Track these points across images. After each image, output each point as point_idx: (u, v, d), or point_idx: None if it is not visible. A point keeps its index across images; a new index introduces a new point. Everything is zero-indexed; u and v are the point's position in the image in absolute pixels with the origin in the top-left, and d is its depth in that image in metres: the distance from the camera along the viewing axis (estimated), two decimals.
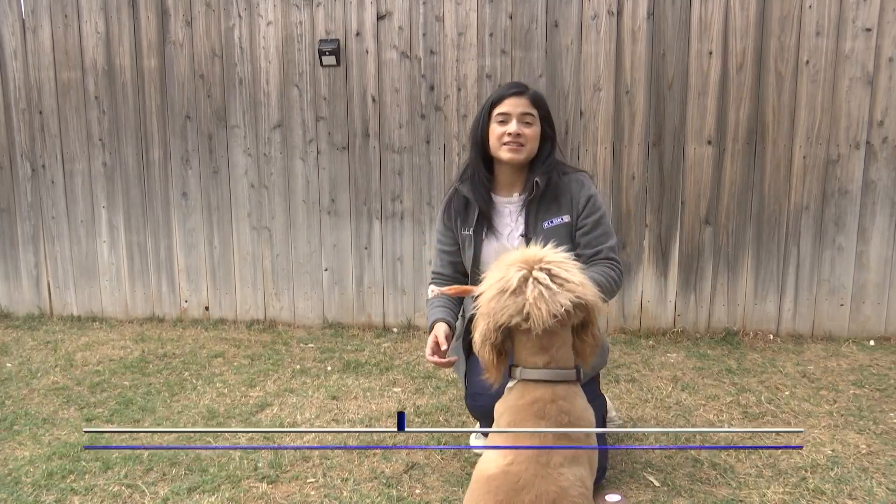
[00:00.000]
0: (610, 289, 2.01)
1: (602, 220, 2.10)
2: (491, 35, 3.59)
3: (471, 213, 2.16)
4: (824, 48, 3.36)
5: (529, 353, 1.30)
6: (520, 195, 2.15)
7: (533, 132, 2.08)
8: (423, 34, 3.66)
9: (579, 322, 1.30)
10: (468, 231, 2.16)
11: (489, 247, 2.14)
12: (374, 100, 3.75)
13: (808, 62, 3.39)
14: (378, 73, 3.72)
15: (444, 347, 1.97)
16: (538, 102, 2.10)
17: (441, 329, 2.03)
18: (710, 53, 3.45)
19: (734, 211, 3.54)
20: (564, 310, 1.23)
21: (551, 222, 2.09)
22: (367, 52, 3.72)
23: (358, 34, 3.71)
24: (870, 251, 3.47)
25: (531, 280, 1.25)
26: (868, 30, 3.32)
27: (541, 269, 1.26)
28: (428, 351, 1.99)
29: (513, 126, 2.05)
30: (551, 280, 1.24)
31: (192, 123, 3.95)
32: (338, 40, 3.71)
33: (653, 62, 3.49)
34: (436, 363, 1.97)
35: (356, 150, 3.82)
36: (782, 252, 3.54)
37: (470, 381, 2.15)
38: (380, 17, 3.69)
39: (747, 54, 3.42)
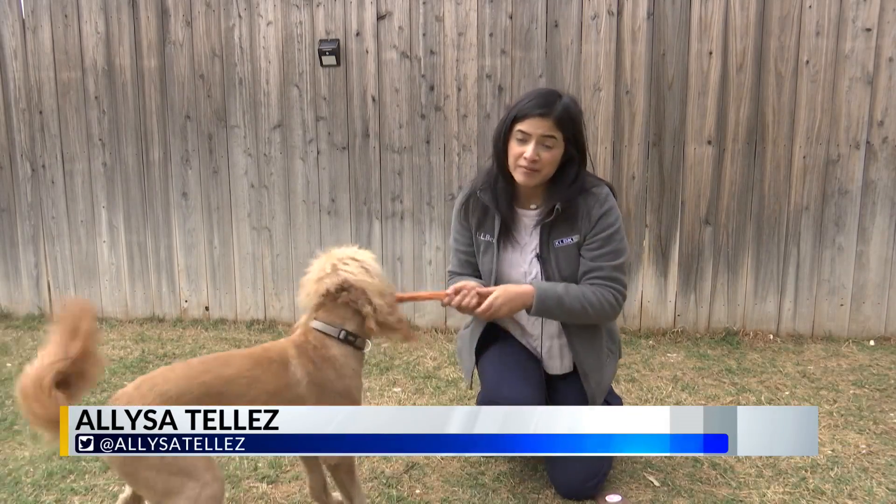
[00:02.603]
0: (592, 308, 1.98)
1: (612, 238, 2.01)
2: (491, 35, 3.59)
3: (489, 220, 2.11)
4: (824, 48, 3.36)
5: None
6: (539, 210, 2.08)
7: (551, 156, 1.96)
8: (423, 34, 3.66)
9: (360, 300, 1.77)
10: (487, 238, 2.12)
11: (505, 256, 2.11)
12: (374, 100, 3.75)
13: (808, 62, 3.39)
14: (378, 73, 3.73)
15: (456, 298, 1.95)
16: (564, 124, 1.94)
17: (472, 282, 2.02)
18: (710, 53, 3.45)
19: (734, 211, 3.54)
20: (326, 289, 1.74)
21: (562, 241, 2.04)
22: (367, 52, 3.72)
23: (358, 34, 3.71)
24: (870, 251, 3.47)
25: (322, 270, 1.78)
26: (868, 30, 3.32)
27: (337, 263, 1.76)
28: (457, 284, 1.97)
29: (530, 150, 1.93)
30: (332, 269, 1.76)
31: (192, 123, 3.95)
32: (338, 40, 3.71)
33: (653, 62, 3.49)
34: (448, 296, 1.96)
35: (356, 150, 3.82)
36: (782, 252, 3.54)
37: (486, 384, 2.12)
38: (380, 17, 3.69)
39: (747, 54, 3.42)
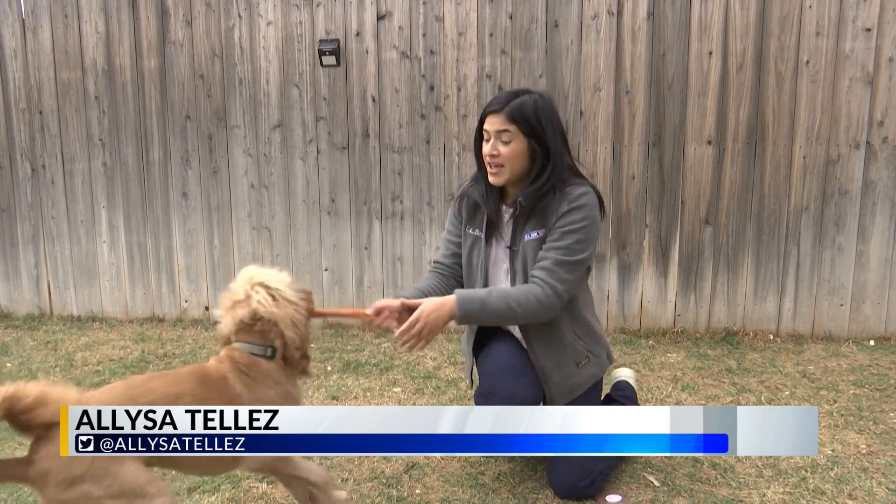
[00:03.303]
0: (511, 308, 1.93)
1: (568, 235, 1.98)
2: (491, 35, 3.59)
3: (479, 216, 2.17)
4: (824, 48, 3.36)
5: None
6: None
7: (510, 150, 2.00)
8: (423, 34, 3.66)
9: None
10: (475, 232, 2.16)
11: (490, 251, 2.16)
12: (374, 100, 3.75)
13: (808, 62, 3.39)
14: (378, 73, 3.73)
15: (377, 319, 1.93)
16: (517, 118, 1.98)
17: (395, 302, 1.95)
18: (710, 53, 3.45)
19: (734, 211, 3.54)
20: (240, 319, 1.71)
21: (530, 235, 2.07)
22: (367, 52, 3.72)
23: (358, 34, 3.71)
24: (870, 251, 3.47)
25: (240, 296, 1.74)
26: (868, 30, 3.32)
27: (250, 290, 1.71)
28: (379, 303, 1.94)
29: (488, 146, 2.02)
30: (245, 297, 1.71)
31: (192, 123, 3.95)
32: (338, 40, 3.71)
33: (653, 62, 3.49)
34: (367, 317, 1.93)
35: (356, 150, 3.82)
36: (782, 252, 3.54)
37: (483, 378, 2.14)
38: (380, 17, 3.69)
39: (747, 54, 3.42)
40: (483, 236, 2.14)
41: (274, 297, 1.70)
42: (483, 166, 2.11)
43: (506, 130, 2.00)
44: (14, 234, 4.26)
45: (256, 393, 1.67)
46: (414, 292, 2.10)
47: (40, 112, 4.09)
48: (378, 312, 1.94)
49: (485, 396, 2.07)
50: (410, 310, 1.92)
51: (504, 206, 2.16)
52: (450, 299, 1.94)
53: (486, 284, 2.15)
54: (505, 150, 2.01)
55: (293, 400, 1.76)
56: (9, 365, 3.43)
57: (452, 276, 2.23)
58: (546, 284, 1.96)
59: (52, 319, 4.23)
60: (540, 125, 2.01)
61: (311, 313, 1.85)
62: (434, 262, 2.29)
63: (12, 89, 4.09)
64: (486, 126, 2.04)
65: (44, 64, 4.04)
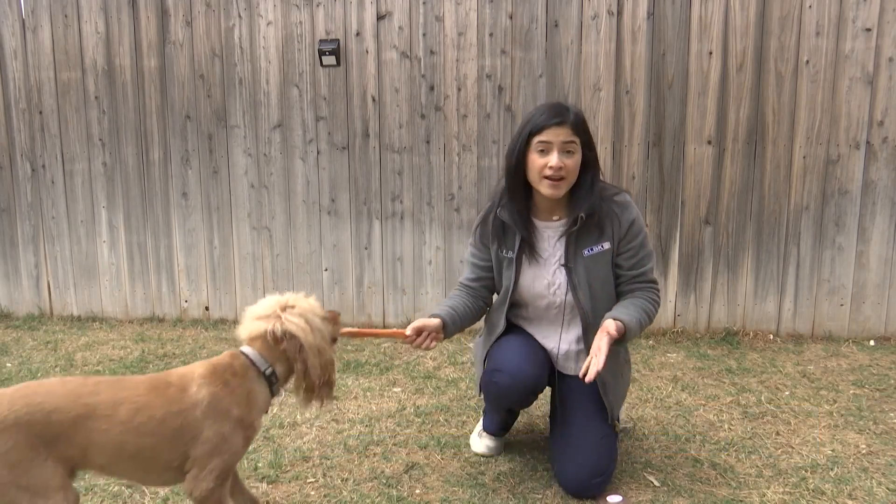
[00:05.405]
0: (652, 316, 2.09)
1: (645, 242, 2.10)
2: (491, 35, 3.59)
3: (509, 237, 2.14)
4: (824, 48, 3.36)
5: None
6: (562, 220, 2.12)
7: (574, 162, 2.00)
8: (423, 34, 3.66)
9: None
10: (508, 254, 2.15)
11: (528, 271, 2.14)
12: (374, 100, 3.75)
13: (808, 62, 3.39)
14: (378, 73, 3.73)
15: (417, 340, 2.02)
16: (580, 129, 2.00)
17: (434, 322, 2.06)
18: (710, 53, 3.45)
19: (734, 211, 3.54)
20: (268, 330, 1.68)
21: (591, 250, 2.07)
22: (367, 52, 3.72)
23: (358, 34, 3.71)
24: (870, 251, 3.47)
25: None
26: (868, 30, 3.32)
27: (284, 310, 1.69)
28: (417, 323, 2.03)
29: (554, 159, 1.97)
30: (277, 315, 1.70)
31: (192, 123, 3.95)
32: (338, 40, 3.71)
33: (653, 62, 3.49)
34: (407, 338, 2.02)
35: (356, 150, 3.82)
36: (782, 252, 3.54)
37: (492, 356, 2.16)
38: (380, 17, 3.69)
39: (747, 54, 3.42)
40: (514, 255, 2.13)
41: (308, 323, 1.69)
42: (520, 181, 2.07)
43: (572, 142, 1.99)
44: (14, 234, 4.26)
45: (221, 401, 1.61)
46: (447, 311, 2.12)
47: (40, 112, 4.09)
48: (418, 332, 2.00)
49: (490, 374, 2.11)
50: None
51: (541, 223, 2.14)
52: (616, 330, 1.94)
53: (519, 302, 2.19)
54: (570, 161, 2.00)
55: (249, 426, 1.67)
56: (9, 365, 3.43)
57: (479, 297, 2.25)
58: (657, 290, 2.13)
59: (52, 319, 4.23)
60: (591, 135, 2.06)
61: (342, 334, 1.84)
62: (460, 282, 2.29)
63: (12, 89, 4.09)
64: (547, 138, 1.98)
65: (44, 64, 4.04)
